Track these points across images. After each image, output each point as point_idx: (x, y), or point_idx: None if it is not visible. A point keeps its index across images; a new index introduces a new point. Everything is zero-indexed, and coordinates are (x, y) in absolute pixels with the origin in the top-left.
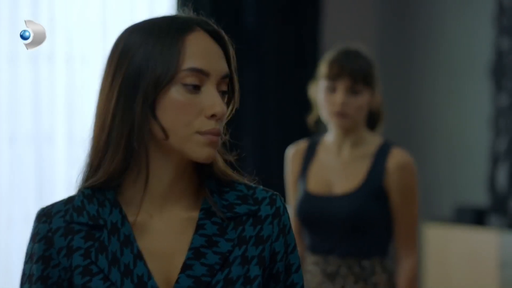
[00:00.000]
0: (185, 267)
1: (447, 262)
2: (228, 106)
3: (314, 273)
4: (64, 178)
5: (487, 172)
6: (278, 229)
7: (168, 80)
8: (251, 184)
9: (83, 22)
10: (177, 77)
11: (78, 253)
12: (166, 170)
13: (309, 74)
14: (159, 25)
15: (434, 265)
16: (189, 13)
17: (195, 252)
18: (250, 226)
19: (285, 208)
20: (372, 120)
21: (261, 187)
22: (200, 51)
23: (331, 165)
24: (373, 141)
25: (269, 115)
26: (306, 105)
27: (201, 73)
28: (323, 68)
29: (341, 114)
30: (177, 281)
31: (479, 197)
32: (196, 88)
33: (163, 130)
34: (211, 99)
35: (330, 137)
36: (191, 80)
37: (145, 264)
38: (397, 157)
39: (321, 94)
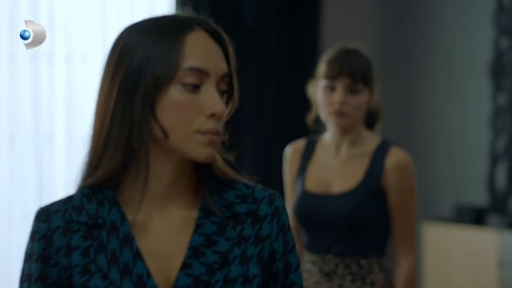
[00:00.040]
0: (185, 266)
1: (447, 262)
2: (227, 106)
3: (311, 272)
4: (63, 178)
5: (486, 171)
6: (277, 228)
7: (168, 79)
8: (251, 183)
9: (83, 21)
10: (177, 77)
11: (77, 252)
12: (166, 169)
13: (309, 74)
14: (158, 24)
15: (434, 265)
16: (188, 13)
17: (194, 251)
18: (249, 225)
19: (284, 208)
20: (371, 119)
21: (261, 186)
22: (200, 51)
23: (329, 164)
24: (371, 140)
25: (269, 115)
26: (305, 104)
27: (201, 73)
28: (322, 67)
29: (340, 113)
30: (176, 280)
31: (479, 197)
32: (195, 88)
33: (163, 129)
34: (211, 99)
35: (328, 136)
36: (190, 79)
37: (144, 263)
38: (395, 157)
39: (320, 93)
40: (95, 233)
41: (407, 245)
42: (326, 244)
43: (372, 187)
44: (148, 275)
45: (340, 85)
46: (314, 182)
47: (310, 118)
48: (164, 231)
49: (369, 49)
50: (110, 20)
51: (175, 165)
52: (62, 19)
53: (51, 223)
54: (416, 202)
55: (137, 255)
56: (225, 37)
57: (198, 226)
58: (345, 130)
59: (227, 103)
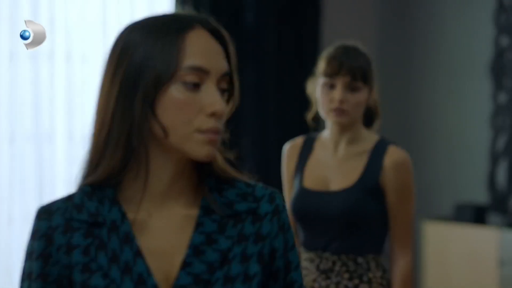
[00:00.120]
0: (185, 264)
1: (447, 260)
2: (228, 104)
3: (308, 269)
4: (64, 177)
5: (487, 170)
6: (277, 226)
7: (168, 78)
8: (251, 181)
9: (83, 20)
10: (177, 76)
11: (77, 250)
12: (166, 168)
13: (309, 73)
14: (159, 23)
15: (434, 263)
16: (189, 11)
17: (194, 250)
18: (249, 224)
19: (284, 206)
20: (369, 117)
21: (261, 184)
22: (200, 49)
23: (328, 162)
24: (369, 138)
25: (269, 114)
26: (305, 103)
27: (201, 71)
28: (321, 65)
29: (340, 111)
30: (176, 279)
31: (479, 195)
32: (196, 86)
33: (163, 128)
34: (211, 97)
35: (327, 134)
36: (191, 78)
37: (144, 262)
38: (393, 155)
39: (319, 91)
40: (96, 232)
41: (404, 243)
42: (323, 241)
43: (370, 185)
44: (149, 273)
45: (339, 83)
46: (312, 179)
47: (309, 116)
48: (165, 230)
49: (369, 49)
50: (110, 19)
51: (176, 164)
52: (62, 18)
53: (52, 222)
54: (414, 200)
55: (138, 254)
56: (226, 35)
57: (198, 225)
58: (344, 128)
59: (227, 101)
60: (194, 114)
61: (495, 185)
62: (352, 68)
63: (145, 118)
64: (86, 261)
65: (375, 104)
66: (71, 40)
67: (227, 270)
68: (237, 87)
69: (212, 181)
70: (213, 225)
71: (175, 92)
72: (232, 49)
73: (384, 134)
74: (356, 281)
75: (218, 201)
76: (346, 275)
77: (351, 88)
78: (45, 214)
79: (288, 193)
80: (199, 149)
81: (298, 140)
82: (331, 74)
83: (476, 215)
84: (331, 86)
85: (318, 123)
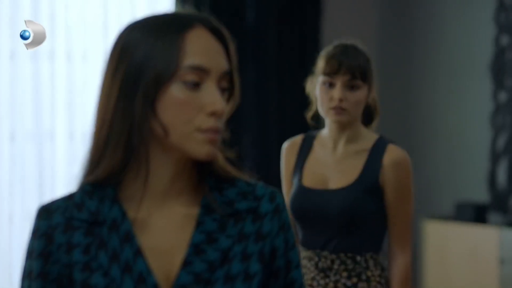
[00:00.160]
0: (185, 263)
1: (447, 259)
2: (228, 103)
3: (307, 268)
4: (64, 176)
5: (487, 169)
6: (278, 225)
7: (169, 77)
8: (251, 180)
9: (84, 19)
10: (177, 75)
11: (78, 249)
12: (166, 167)
13: (309, 72)
14: (159, 22)
15: (434, 262)
16: (189, 10)
17: (195, 249)
18: (250, 223)
19: (284, 205)
20: (368, 116)
21: (261, 183)
22: (201, 48)
23: (327, 160)
24: (369, 137)
25: (269, 113)
26: (306, 103)
27: (202, 71)
28: (321, 64)
29: (339, 109)
30: (177, 278)
31: (479, 194)
32: (196, 86)
33: (163, 127)
34: (212, 97)
35: (326, 132)
36: (191, 77)
37: (145, 261)
38: (392, 154)
39: (319, 89)
40: (96, 231)
41: (403, 242)
42: (322, 240)
43: (369, 184)
44: (149, 272)
45: (339, 81)
46: (311, 177)
47: (308, 114)
48: (165, 229)
49: (369, 49)
50: (110, 18)
51: (176, 163)
52: (62, 17)
53: (52, 220)
54: (413, 199)
55: (138, 253)
56: (226, 34)
57: (198, 224)
58: (343, 126)
59: (227, 100)
60: (195, 113)
61: (495, 184)
62: (351, 67)
63: (145, 117)
64: (86, 260)
65: (374, 103)
66: (71, 39)
67: (228, 269)
68: (238, 86)
69: (212, 180)
70: (214, 224)
71: (175, 91)
72: (232, 48)
73: (384, 134)
74: (355, 279)
75: (218, 200)
76: (345, 274)
77: (350, 86)
78: (46, 213)
79: (287, 192)
80: (199, 148)
81: (297, 139)
82: (331, 72)
83: (476, 214)
84: (331, 85)
85: (318, 122)
